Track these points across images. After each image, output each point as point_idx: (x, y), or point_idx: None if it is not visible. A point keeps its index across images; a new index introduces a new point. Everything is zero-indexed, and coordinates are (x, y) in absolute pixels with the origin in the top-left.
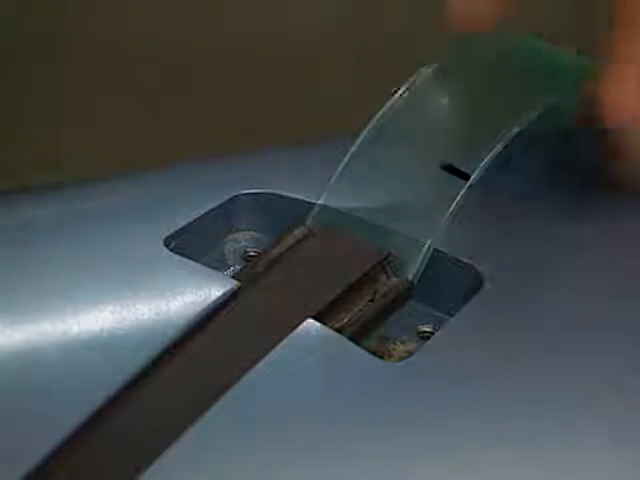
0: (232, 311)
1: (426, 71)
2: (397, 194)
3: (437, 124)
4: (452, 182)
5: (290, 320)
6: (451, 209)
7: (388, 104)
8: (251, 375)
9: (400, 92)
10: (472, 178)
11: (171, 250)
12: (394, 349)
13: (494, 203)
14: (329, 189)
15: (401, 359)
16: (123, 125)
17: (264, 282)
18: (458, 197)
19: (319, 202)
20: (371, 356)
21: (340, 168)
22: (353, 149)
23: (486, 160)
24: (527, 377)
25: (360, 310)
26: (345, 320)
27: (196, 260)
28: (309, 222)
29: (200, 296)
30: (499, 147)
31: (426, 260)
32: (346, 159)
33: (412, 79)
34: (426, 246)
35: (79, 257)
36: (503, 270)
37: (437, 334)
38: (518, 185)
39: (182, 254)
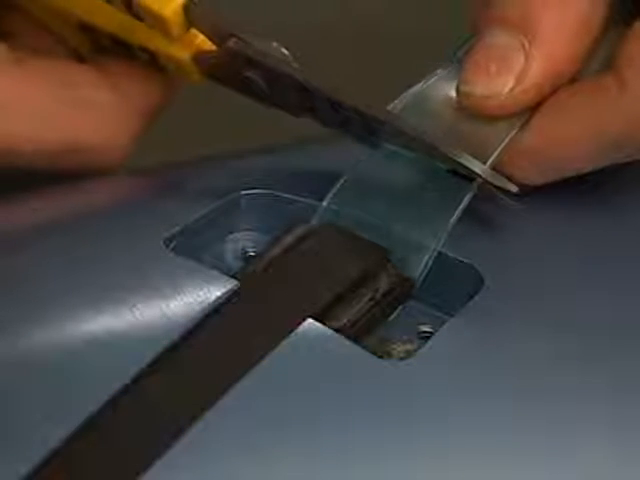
0: (232, 311)
1: (434, 73)
2: (402, 195)
3: (443, 124)
4: (458, 183)
5: (290, 320)
6: (457, 211)
7: (394, 104)
8: (251, 375)
9: (407, 93)
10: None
11: (171, 250)
12: (394, 349)
13: (495, 202)
14: (334, 191)
15: (401, 359)
16: None
17: (264, 282)
18: (465, 199)
19: (324, 203)
20: (371, 356)
21: (348, 171)
22: (360, 152)
23: (491, 160)
24: (528, 377)
25: (360, 310)
26: (345, 320)
27: (196, 260)
28: (313, 222)
29: (200, 296)
30: (503, 146)
31: (431, 262)
32: (353, 162)
33: (420, 85)
34: (432, 247)
35: (78, 257)
36: (503, 270)
37: (437, 334)
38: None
39: (182, 254)
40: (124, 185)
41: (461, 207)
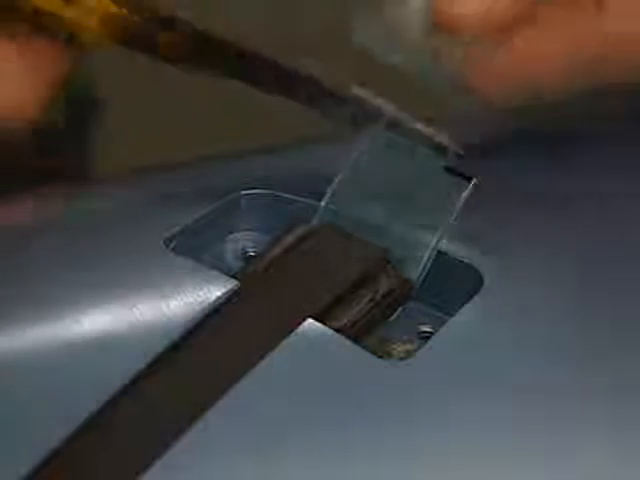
0: (232, 311)
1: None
2: (401, 195)
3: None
4: (455, 183)
5: (290, 320)
6: (455, 211)
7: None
8: (251, 375)
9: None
10: (475, 178)
11: (171, 250)
12: (394, 349)
13: (495, 202)
14: (332, 191)
15: (401, 359)
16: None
17: (264, 282)
18: (462, 198)
19: (322, 203)
20: (371, 356)
21: (344, 170)
22: (357, 151)
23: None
24: (528, 378)
25: (360, 310)
26: (345, 320)
27: (196, 260)
28: (313, 222)
29: (200, 296)
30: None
31: (430, 262)
32: (351, 161)
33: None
34: (430, 247)
35: (78, 257)
36: (503, 270)
37: (437, 334)
38: (519, 184)
39: (182, 254)
40: (124, 185)
41: (458, 206)
